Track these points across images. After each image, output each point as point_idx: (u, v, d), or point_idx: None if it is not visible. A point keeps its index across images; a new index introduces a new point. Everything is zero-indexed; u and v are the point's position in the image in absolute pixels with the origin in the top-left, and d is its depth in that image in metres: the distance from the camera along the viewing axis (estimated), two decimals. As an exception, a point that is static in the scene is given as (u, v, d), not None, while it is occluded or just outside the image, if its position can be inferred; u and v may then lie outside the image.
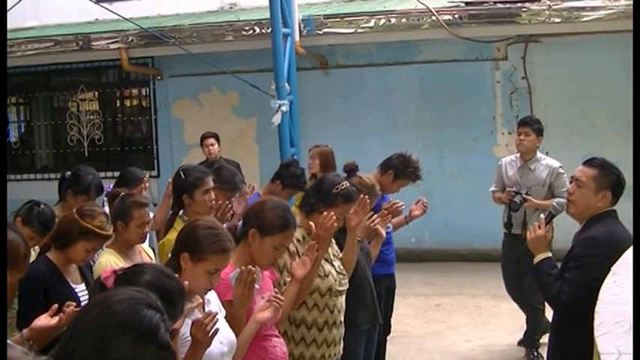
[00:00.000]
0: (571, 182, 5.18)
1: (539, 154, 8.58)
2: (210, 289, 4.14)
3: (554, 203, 5.38)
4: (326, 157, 9.26)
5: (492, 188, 8.73)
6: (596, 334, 2.82)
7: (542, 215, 5.33)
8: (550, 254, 5.09)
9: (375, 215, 6.46)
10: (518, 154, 8.61)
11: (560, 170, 8.39)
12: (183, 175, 6.16)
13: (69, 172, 7.13)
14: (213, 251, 4.06)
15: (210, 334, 3.72)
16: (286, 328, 5.27)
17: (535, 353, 8.28)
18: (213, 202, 6.15)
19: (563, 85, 13.14)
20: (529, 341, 8.35)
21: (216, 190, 6.71)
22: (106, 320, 2.29)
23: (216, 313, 3.80)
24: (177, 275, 3.64)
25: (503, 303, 8.94)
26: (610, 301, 3.23)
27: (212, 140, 11.20)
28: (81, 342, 2.27)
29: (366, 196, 5.80)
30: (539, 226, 5.16)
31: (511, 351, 8.48)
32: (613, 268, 3.74)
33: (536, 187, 8.32)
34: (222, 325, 3.97)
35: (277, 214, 4.70)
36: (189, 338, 3.76)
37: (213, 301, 4.23)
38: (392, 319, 7.84)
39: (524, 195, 8.14)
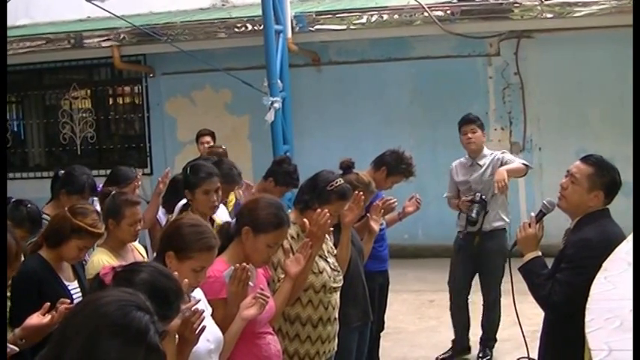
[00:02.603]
0: (566, 176, 5.13)
1: (485, 150, 8.47)
2: (196, 287, 4.13)
3: (545, 202, 5.34)
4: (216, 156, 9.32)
5: (446, 194, 8.61)
6: (587, 330, 2.82)
7: (532, 213, 5.29)
8: (539, 253, 5.05)
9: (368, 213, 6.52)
10: (466, 155, 8.48)
11: (502, 153, 8.41)
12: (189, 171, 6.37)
13: (62, 172, 7.12)
14: (198, 249, 4.06)
15: (197, 332, 3.72)
16: (281, 325, 5.28)
17: (489, 352, 8.39)
18: (215, 203, 6.28)
19: (555, 81, 13.15)
20: (488, 339, 8.43)
21: None
22: (94, 322, 2.28)
23: (203, 311, 3.79)
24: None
25: (496, 299, 8.95)
26: (601, 297, 3.23)
27: (208, 138, 11.18)
28: (70, 344, 2.26)
29: (361, 193, 5.81)
30: (529, 225, 5.13)
31: (504, 346, 8.48)
32: (604, 264, 3.73)
33: (487, 180, 8.20)
34: (208, 322, 3.97)
35: (271, 212, 4.69)
36: (177, 336, 3.75)
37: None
38: (386, 316, 7.87)
39: (478, 200, 8.06)
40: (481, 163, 8.30)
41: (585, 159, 5.09)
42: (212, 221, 6.34)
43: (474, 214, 8.01)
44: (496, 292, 8.29)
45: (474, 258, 8.27)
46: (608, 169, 5.03)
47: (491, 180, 8.11)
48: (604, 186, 4.97)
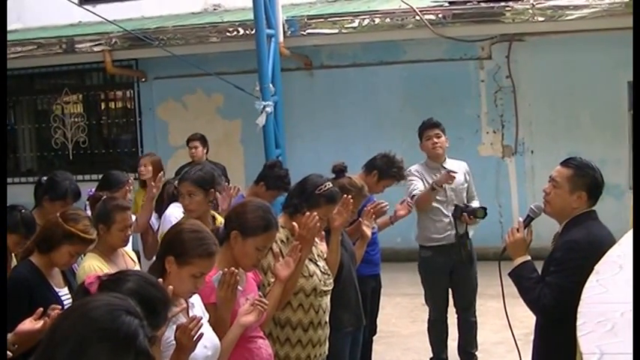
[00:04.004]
0: (549, 182, 5.17)
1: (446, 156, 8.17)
2: (194, 293, 4.12)
3: (532, 206, 5.36)
4: (159, 164, 9.67)
5: (417, 192, 7.87)
6: (578, 334, 2.81)
7: (520, 218, 5.32)
8: (529, 257, 5.08)
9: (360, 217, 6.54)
10: (426, 161, 8.10)
11: (467, 169, 8.23)
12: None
13: (45, 178, 7.10)
14: (198, 255, 4.05)
15: (194, 339, 3.71)
16: (271, 329, 5.28)
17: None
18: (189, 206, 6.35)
19: (547, 84, 13.17)
20: (467, 357, 8.29)
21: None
22: (83, 327, 2.27)
23: (201, 318, 3.79)
24: (161, 279, 3.64)
25: (489, 302, 8.93)
26: (593, 300, 3.23)
27: (196, 143, 11.14)
28: (59, 349, 2.25)
29: (350, 197, 5.81)
30: (517, 229, 5.15)
31: (497, 350, 8.49)
32: (596, 268, 3.73)
33: (459, 188, 8.01)
34: (206, 328, 3.96)
35: (259, 215, 4.70)
36: (174, 342, 3.74)
37: (196, 305, 4.21)
38: (378, 319, 7.86)
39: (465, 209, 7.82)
40: (448, 167, 8.02)
41: (565, 162, 5.16)
42: (214, 219, 6.38)
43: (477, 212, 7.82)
44: (474, 305, 8.25)
45: (450, 271, 8.05)
46: (587, 169, 5.07)
47: (464, 189, 8.07)
48: (586, 186, 5.00)
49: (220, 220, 6.36)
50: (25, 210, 5.74)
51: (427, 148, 8.05)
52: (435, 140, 7.98)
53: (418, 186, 7.90)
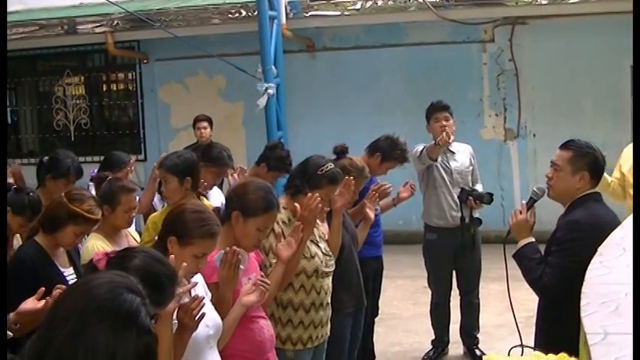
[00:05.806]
0: (551, 167, 5.18)
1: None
2: (196, 273, 4.13)
3: (534, 189, 5.36)
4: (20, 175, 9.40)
5: (422, 147, 7.87)
6: (582, 314, 2.82)
7: (523, 201, 5.34)
8: (533, 239, 5.09)
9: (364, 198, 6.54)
10: (432, 143, 7.79)
11: (470, 152, 8.17)
12: None
13: (47, 157, 7.11)
14: (200, 235, 4.05)
15: (196, 319, 3.72)
16: (273, 310, 5.28)
17: (476, 351, 8.23)
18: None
19: (550, 68, 13.13)
20: (469, 339, 8.29)
21: (204, 169, 6.75)
22: (84, 305, 2.25)
23: (203, 298, 3.79)
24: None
25: (490, 284, 8.93)
26: (596, 281, 3.23)
27: (205, 124, 11.11)
28: (60, 327, 2.23)
29: (352, 178, 5.80)
30: (520, 211, 5.17)
31: (498, 332, 8.50)
32: (600, 249, 3.74)
33: (465, 171, 8.01)
34: (208, 308, 3.97)
35: (260, 196, 4.69)
36: (176, 322, 3.75)
37: (199, 284, 4.22)
38: (380, 301, 7.86)
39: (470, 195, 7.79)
40: (454, 149, 8.03)
41: (564, 145, 5.18)
42: None
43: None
44: (477, 288, 8.25)
45: (454, 254, 8.04)
46: (586, 149, 5.09)
47: (469, 172, 8.04)
48: (587, 166, 5.02)
49: (208, 203, 6.35)
50: (32, 193, 5.75)
51: (435, 130, 7.83)
52: (444, 123, 7.81)
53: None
